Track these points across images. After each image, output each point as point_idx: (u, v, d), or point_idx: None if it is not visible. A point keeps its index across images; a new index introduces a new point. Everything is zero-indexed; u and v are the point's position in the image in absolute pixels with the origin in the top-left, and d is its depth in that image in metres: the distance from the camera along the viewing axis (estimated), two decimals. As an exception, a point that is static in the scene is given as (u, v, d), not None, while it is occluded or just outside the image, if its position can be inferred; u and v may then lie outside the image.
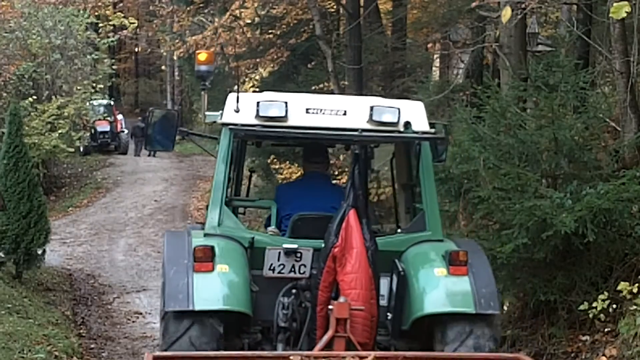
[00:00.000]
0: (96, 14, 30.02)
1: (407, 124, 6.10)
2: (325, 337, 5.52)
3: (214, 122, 6.66)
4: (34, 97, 24.02)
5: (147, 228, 20.49)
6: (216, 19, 20.87)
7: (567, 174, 8.81)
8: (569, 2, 11.32)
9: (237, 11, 19.26)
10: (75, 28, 27.87)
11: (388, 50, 17.22)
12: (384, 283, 5.94)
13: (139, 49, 45.00)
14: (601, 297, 7.94)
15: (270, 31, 20.17)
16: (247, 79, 19.66)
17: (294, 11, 19.27)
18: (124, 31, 33.78)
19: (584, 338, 8.34)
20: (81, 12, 28.27)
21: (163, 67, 45.28)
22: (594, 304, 7.94)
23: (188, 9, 22.04)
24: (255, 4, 19.38)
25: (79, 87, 27.32)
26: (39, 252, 13.49)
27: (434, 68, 17.97)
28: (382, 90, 14.78)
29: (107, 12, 32.93)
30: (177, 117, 7.27)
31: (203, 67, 6.94)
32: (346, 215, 5.74)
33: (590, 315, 8.03)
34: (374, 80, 17.46)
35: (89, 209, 24.12)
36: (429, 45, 17.18)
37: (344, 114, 6.14)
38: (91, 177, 29.30)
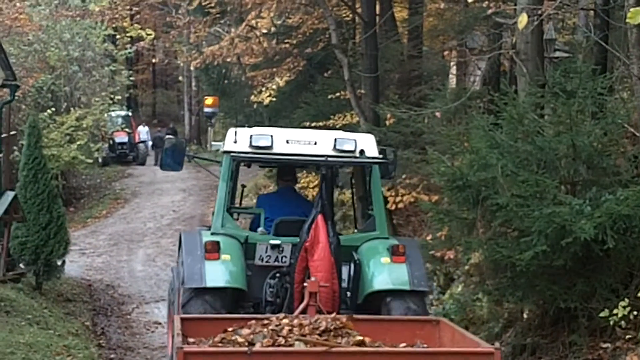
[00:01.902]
0: (113, 26, 30.24)
1: (362, 152, 8.09)
2: (302, 306, 7.31)
3: (217, 149, 8.73)
4: (53, 109, 24.18)
5: (166, 238, 20.55)
6: (232, 30, 20.99)
7: (586, 180, 8.76)
8: (586, 8, 11.27)
9: (254, 21, 19.33)
10: (93, 40, 28.06)
11: (404, 58, 17.20)
12: (344, 269, 7.85)
13: (156, 60, 45.21)
14: (622, 304, 7.88)
15: (286, 41, 20.22)
16: (263, 89, 19.70)
17: (309, 20, 19.32)
18: (141, 42, 34.01)
19: (605, 345, 8.27)
20: (99, 24, 28.46)
21: (180, 78, 45.44)
22: (615, 311, 7.88)
23: (204, 19, 22.15)
24: (272, 14, 19.45)
25: (97, 99, 27.48)
26: (59, 263, 13.56)
27: (450, 75, 17.92)
28: (398, 98, 14.74)
29: (125, 24, 33.18)
30: (184, 145, 9.39)
31: (209, 110, 10.18)
32: (315, 219, 7.69)
33: (611, 323, 7.98)
34: (391, 89, 17.43)
35: (108, 219, 24.22)
36: (446, 53, 17.13)
37: (315, 143, 8.10)
38: (110, 188, 29.42)
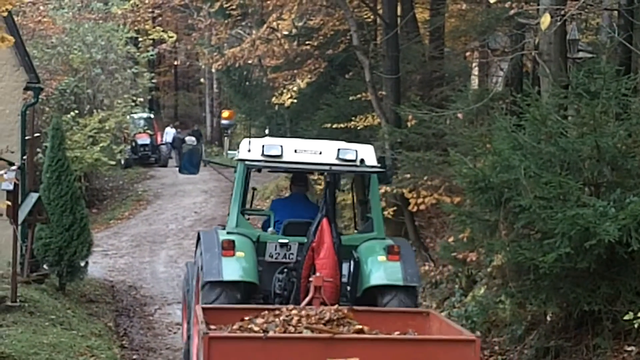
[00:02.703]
0: (136, 28, 30.39)
1: (362, 161, 8.87)
2: (308, 298, 8.08)
3: (233, 157, 9.48)
4: (76, 111, 24.33)
5: (188, 240, 20.61)
6: (254, 31, 21.01)
7: (610, 182, 8.69)
8: (609, 8, 11.18)
9: (275, 23, 19.34)
10: (115, 43, 28.22)
11: (426, 60, 17.13)
12: (345, 266, 8.60)
13: (178, 62, 45.41)
14: (646, 306, 7.82)
15: (307, 42, 20.20)
16: (284, 90, 19.70)
17: (331, 22, 19.29)
18: (163, 45, 34.13)
19: (629, 349, 8.21)
20: (121, 27, 28.62)
21: (202, 80, 45.58)
22: (639, 314, 7.81)
23: (226, 22, 22.19)
24: (293, 16, 19.45)
25: (119, 101, 27.63)
26: (82, 264, 13.64)
27: (472, 76, 17.83)
28: (420, 99, 14.69)
29: (147, 26, 33.32)
30: (200, 151, 10.28)
31: (225, 122, 11.71)
32: (321, 222, 8.49)
33: (636, 326, 7.91)
34: (412, 90, 17.38)
35: (130, 221, 24.34)
36: (467, 54, 17.04)
37: (320, 153, 8.90)
38: (132, 190, 29.57)
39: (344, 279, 8.57)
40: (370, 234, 8.95)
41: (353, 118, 17.26)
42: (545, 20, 6.38)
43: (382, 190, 14.98)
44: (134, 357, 11.18)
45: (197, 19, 26.66)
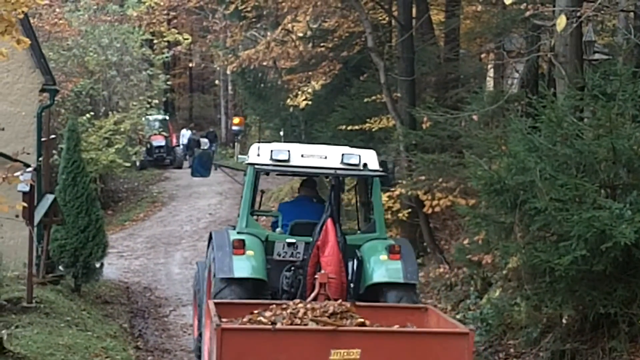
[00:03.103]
0: (151, 30, 30.46)
1: (365, 165, 9.36)
2: (313, 294, 8.61)
3: (242, 162, 9.93)
4: (91, 113, 24.44)
5: (202, 241, 20.61)
6: (268, 33, 21.03)
7: (626, 184, 8.64)
8: (626, 10, 11.11)
9: (289, 25, 19.35)
10: (130, 45, 28.33)
11: (441, 61, 17.09)
12: (349, 264, 9.07)
13: (193, 64, 45.44)
14: (663, 309, 7.76)
15: (322, 44, 20.19)
16: (299, 92, 19.70)
17: (345, 24, 19.27)
18: (178, 47, 34.24)
19: (646, 352, 8.15)
20: (136, 29, 28.72)
21: (217, 82, 45.66)
22: (656, 317, 7.76)
23: (241, 24, 22.21)
24: (307, 18, 19.44)
25: (134, 103, 27.72)
26: (97, 265, 13.69)
27: (487, 78, 17.78)
28: (435, 101, 14.65)
29: (162, 28, 33.36)
30: (211, 155, 11.19)
31: (236, 128, 12.94)
32: (326, 222, 8.96)
33: (652, 329, 7.85)
34: (427, 92, 17.33)
35: (145, 222, 24.41)
36: (483, 55, 17.00)
37: (325, 157, 9.37)
38: (147, 191, 29.66)
39: (348, 277, 9.04)
40: (372, 234, 9.47)
41: (368, 120, 17.23)
42: (561, 21, 6.35)
43: (397, 193, 15.00)
44: (149, 358, 11.20)
45: (212, 21, 26.73)
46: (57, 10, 24.52)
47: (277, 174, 10.34)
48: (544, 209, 8.35)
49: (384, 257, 9.09)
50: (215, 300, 8.26)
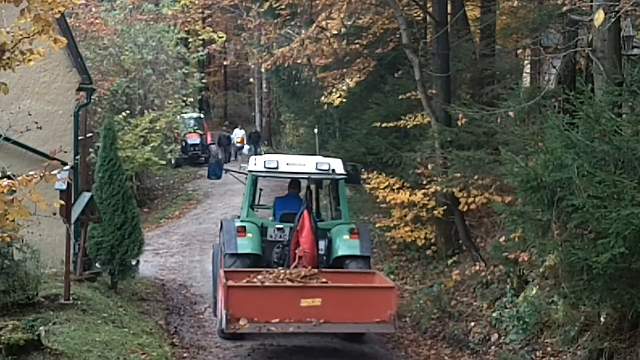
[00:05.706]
0: (186, 29, 30.68)
1: (333, 170, 12.57)
2: (293, 264, 11.67)
3: (246, 168, 13.07)
4: (127, 111, 24.65)
5: (237, 239, 20.69)
6: (303, 31, 21.00)
7: (665, 181, 8.49)
8: (665, 3, 10.92)
9: (324, 22, 19.29)
10: (166, 43, 28.52)
11: (476, 58, 16.94)
12: (322, 242, 12.23)
13: (228, 62, 45.64)
14: None
15: (356, 41, 20.14)
16: (333, 90, 19.66)
17: (380, 21, 19.20)
18: (213, 45, 34.42)
19: (686, 351, 8.01)
20: (171, 27, 28.91)
21: (251, 80, 45.78)
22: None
23: (275, 21, 22.23)
24: (342, 15, 19.39)
25: (170, 101, 27.90)
26: (133, 262, 13.80)
27: (524, 74, 17.59)
28: (470, 98, 14.52)
29: (197, 27, 33.61)
30: (223, 161, 14.42)
31: (239, 144, 17.79)
32: (303, 212, 11.97)
33: (693, 328, 7.72)
34: (462, 88, 17.19)
35: (181, 220, 24.56)
36: (519, 51, 16.80)
37: (304, 165, 12.61)
38: (182, 189, 29.84)
39: (321, 252, 12.15)
40: (339, 220, 12.55)
41: (402, 117, 17.14)
42: (599, 16, 6.26)
43: (432, 190, 14.94)
44: (185, 355, 11.26)
45: (247, 19, 26.77)
46: (94, 9, 24.77)
47: (269, 178, 13.52)
48: (581, 206, 8.25)
49: (346, 237, 12.10)
50: (225, 269, 11.52)
